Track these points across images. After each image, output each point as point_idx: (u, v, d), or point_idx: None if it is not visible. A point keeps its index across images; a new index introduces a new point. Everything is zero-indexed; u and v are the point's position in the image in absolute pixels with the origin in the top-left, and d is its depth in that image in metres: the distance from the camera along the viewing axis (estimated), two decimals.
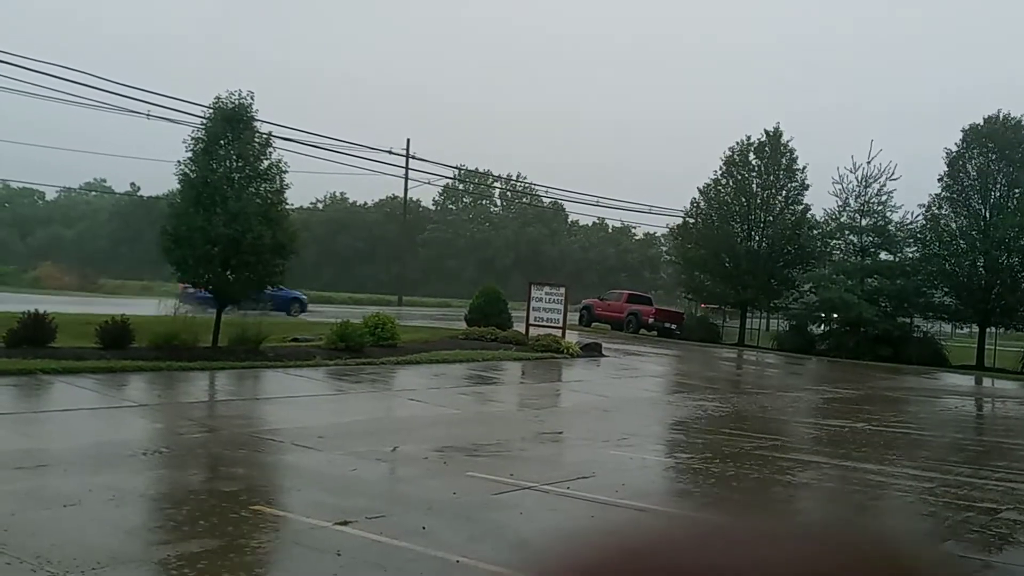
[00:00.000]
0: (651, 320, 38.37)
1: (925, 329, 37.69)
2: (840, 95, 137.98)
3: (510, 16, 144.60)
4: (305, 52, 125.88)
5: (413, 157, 53.09)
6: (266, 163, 17.00)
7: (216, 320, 16.77)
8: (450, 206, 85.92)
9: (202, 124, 17.04)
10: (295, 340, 19.34)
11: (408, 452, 9.78)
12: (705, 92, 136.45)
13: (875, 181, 35.85)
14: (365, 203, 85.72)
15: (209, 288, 16.56)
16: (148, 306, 18.23)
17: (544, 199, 74.31)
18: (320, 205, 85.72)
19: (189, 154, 16.55)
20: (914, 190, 41.93)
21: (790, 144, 39.42)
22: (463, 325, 25.90)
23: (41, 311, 15.06)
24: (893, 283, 34.25)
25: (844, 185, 36.34)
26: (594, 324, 39.03)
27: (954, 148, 35.43)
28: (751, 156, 39.76)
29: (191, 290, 28.07)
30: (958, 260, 34.99)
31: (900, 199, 36.33)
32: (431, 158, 78.02)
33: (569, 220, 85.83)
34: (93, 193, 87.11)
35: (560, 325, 24.19)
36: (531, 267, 69.53)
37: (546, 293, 25.02)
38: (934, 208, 35.75)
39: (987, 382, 29.37)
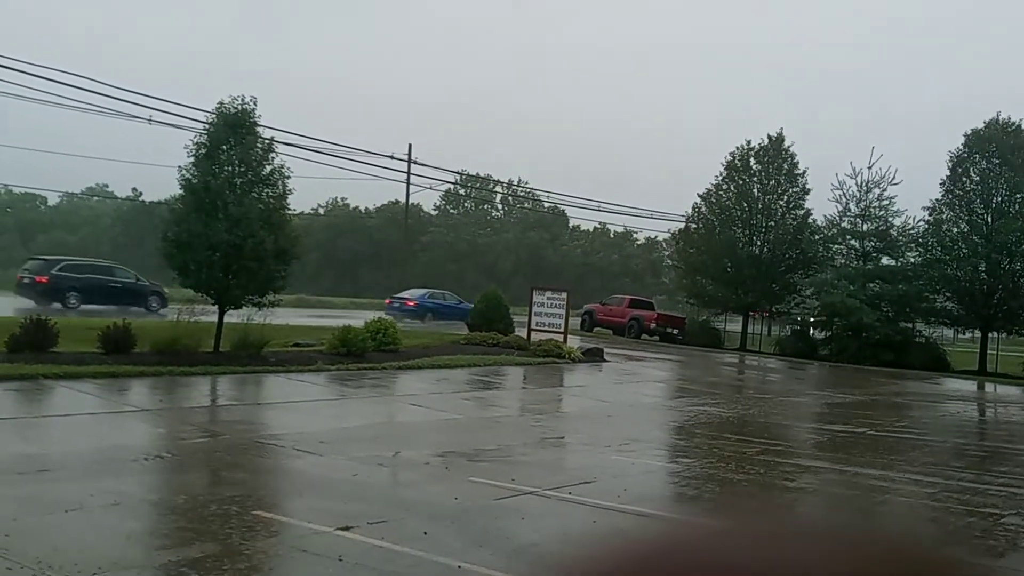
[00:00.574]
0: (653, 325, 38.36)
1: (927, 334, 37.65)
2: (841, 100, 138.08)
3: (512, 23, 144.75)
4: (307, 58, 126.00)
5: (415, 162, 53.11)
6: (268, 168, 17.01)
7: (218, 325, 16.77)
8: (451, 211, 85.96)
9: (204, 129, 17.08)
10: (297, 345, 19.34)
11: (410, 457, 9.77)
12: (706, 97, 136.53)
13: (876, 186, 35.91)
14: (367, 208, 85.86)
15: (210, 293, 16.55)
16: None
17: (545, 204, 74.41)
18: (321, 210, 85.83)
19: (191, 159, 16.57)
20: (916, 195, 41.96)
21: (791, 149, 39.51)
22: (465, 330, 25.92)
23: (43, 316, 15.09)
24: (895, 288, 34.22)
25: (845, 190, 36.41)
26: (596, 329, 39.04)
27: (956, 152, 35.44)
28: (752, 161, 39.80)
29: (396, 303, 34.80)
30: (960, 265, 34.94)
31: (902, 204, 36.40)
32: (432, 163, 78.22)
33: (570, 225, 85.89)
34: (95, 198, 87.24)
35: (562, 330, 24.18)
36: (533, 272, 69.55)
37: (548, 298, 25.01)
38: (936, 213, 35.73)
39: (989, 387, 29.32)
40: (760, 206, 39.41)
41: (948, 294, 35.68)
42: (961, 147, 35.35)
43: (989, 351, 35.40)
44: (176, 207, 17.17)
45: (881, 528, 0.83)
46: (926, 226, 35.89)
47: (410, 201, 57.63)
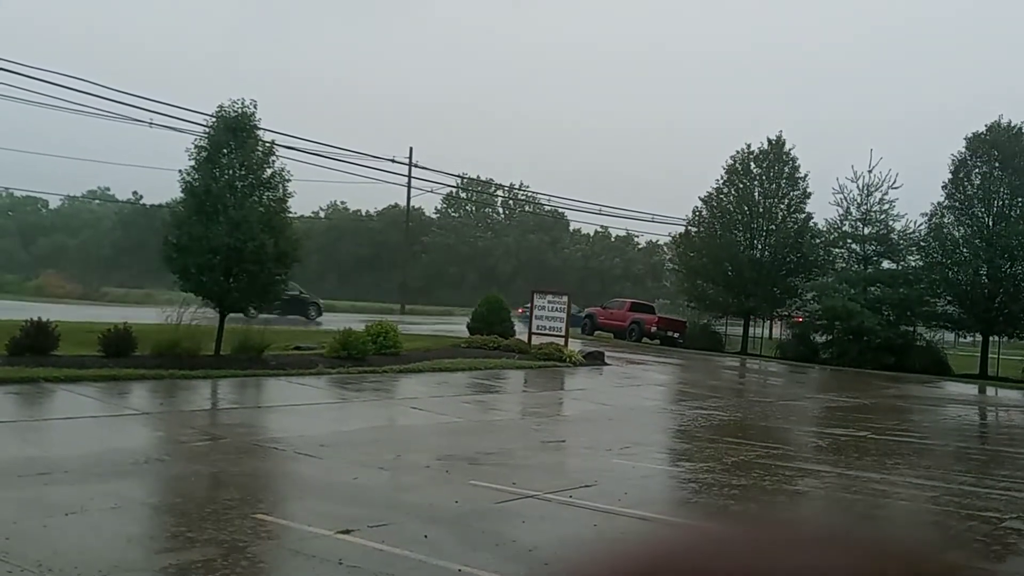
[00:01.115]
0: (654, 329, 38.34)
1: (928, 338, 37.62)
2: (842, 104, 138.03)
3: (512, 24, 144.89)
4: (307, 60, 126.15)
5: (416, 165, 53.17)
6: (269, 172, 17.03)
7: (219, 328, 16.78)
8: (452, 214, 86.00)
9: (205, 133, 17.10)
10: (297, 348, 19.35)
11: (410, 460, 9.77)
12: (707, 101, 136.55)
13: (876, 190, 35.91)
14: (368, 212, 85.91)
15: (211, 296, 16.55)
16: (152, 314, 18.21)
17: (546, 207, 74.44)
18: (322, 213, 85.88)
19: (192, 162, 16.60)
20: (917, 197, 41.93)
21: (792, 152, 39.51)
22: (465, 333, 25.92)
23: (44, 319, 15.10)
24: (896, 292, 34.21)
25: (845, 194, 36.41)
26: (596, 333, 39.04)
27: (958, 156, 35.45)
28: (753, 165, 39.79)
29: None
30: (961, 269, 34.92)
31: (903, 206, 36.38)
32: (433, 166, 78.24)
33: (571, 228, 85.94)
34: (96, 201, 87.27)
35: (562, 333, 24.17)
36: (533, 275, 69.51)
37: (548, 301, 24.99)
38: (937, 217, 35.73)
39: (990, 391, 29.28)
40: (761, 210, 39.40)
41: (949, 298, 35.65)
42: (962, 150, 35.35)
43: (990, 355, 35.37)
44: (177, 210, 17.20)
45: (882, 532, 0.82)
46: (927, 229, 35.90)
47: (411, 204, 57.69)
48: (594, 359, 23.98)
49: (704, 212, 40.64)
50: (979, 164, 34.93)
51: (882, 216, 36.13)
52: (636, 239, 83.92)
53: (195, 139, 17.16)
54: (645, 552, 0.80)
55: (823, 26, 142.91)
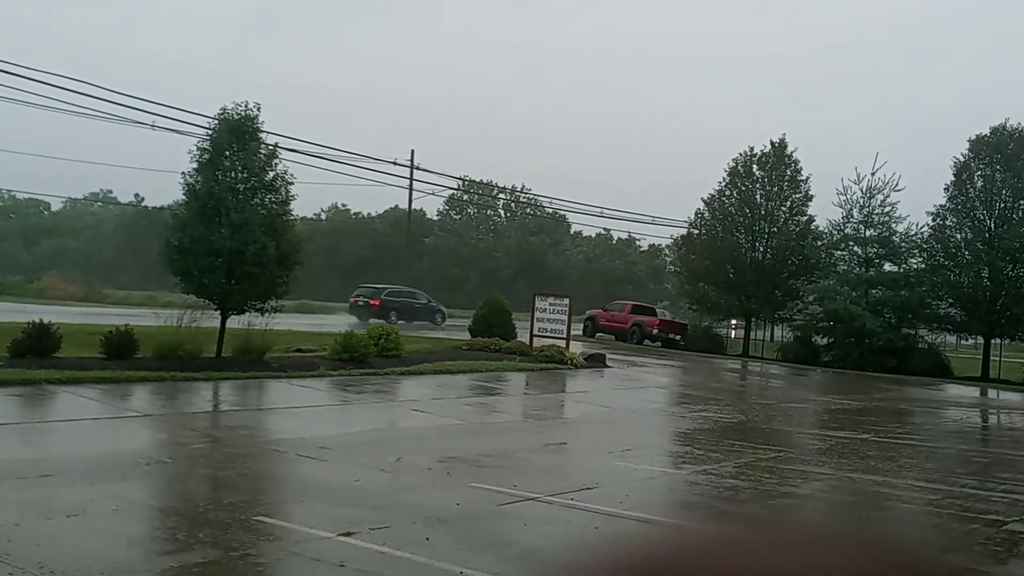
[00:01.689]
0: (655, 331, 38.31)
1: (930, 340, 37.59)
2: (844, 106, 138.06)
3: (512, 26, 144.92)
4: (309, 64, 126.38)
5: (417, 168, 53.18)
6: (271, 174, 17.04)
7: (220, 330, 16.78)
8: (454, 215, 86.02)
9: (208, 135, 17.11)
10: (299, 351, 19.35)
11: (412, 463, 9.76)
12: (708, 103, 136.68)
13: (879, 192, 35.92)
14: (369, 214, 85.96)
15: (212, 299, 16.56)
16: (150, 316, 18.23)
17: (547, 209, 74.44)
18: (324, 216, 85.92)
19: (194, 165, 16.60)
20: (919, 199, 41.85)
21: (794, 155, 39.51)
22: (467, 336, 25.91)
23: (46, 321, 15.11)
24: (897, 294, 34.21)
25: (848, 196, 36.43)
26: (598, 335, 39.02)
27: (960, 158, 35.45)
28: (755, 167, 39.80)
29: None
30: (963, 271, 34.93)
31: (905, 208, 36.30)
32: (435, 168, 78.33)
33: (572, 231, 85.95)
34: (98, 204, 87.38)
35: (564, 336, 24.16)
36: (535, 277, 69.48)
37: (550, 304, 24.98)
38: (939, 219, 35.73)
39: (992, 393, 29.27)
40: (763, 212, 39.41)
41: (951, 300, 35.66)
42: (965, 153, 35.37)
43: (992, 357, 35.37)
44: (179, 213, 17.21)
45: (884, 535, 0.82)
46: (929, 231, 35.89)
47: (413, 206, 57.72)
48: (595, 361, 23.97)
49: (706, 214, 40.62)
50: (981, 167, 34.95)
51: (884, 219, 36.15)
52: (638, 242, 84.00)
53: (197, 141, 17.20)
54: (647, 554, 0.80)
55: (824, 26, 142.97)
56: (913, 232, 36.30)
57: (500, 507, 7.82)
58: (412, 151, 53.92)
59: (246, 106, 16.88)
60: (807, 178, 39.54)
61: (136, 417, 11.73)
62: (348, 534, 6.46)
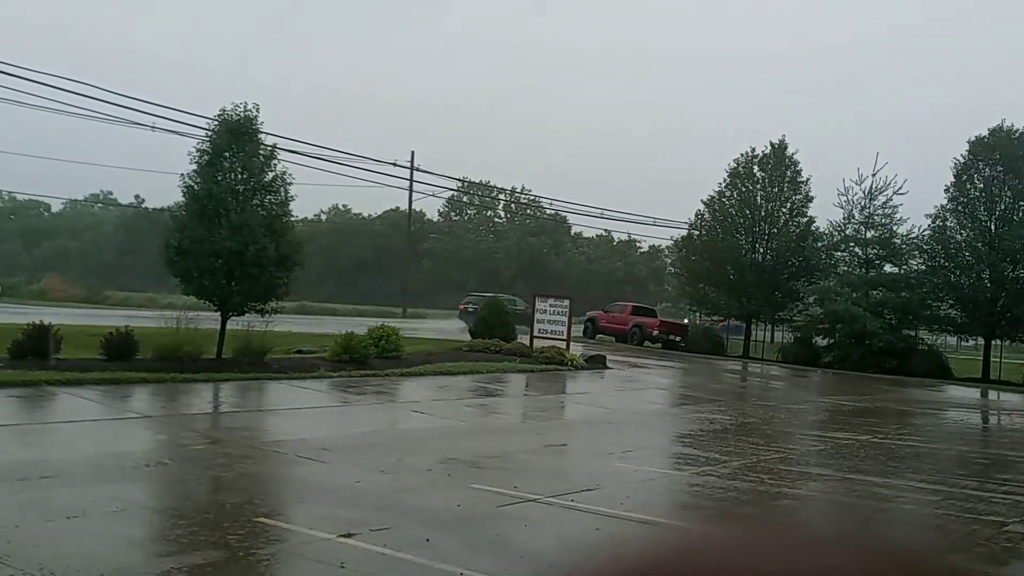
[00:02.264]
0: (655, 332, 38.31)
1: (930, 341, 37.56)
2: (844, 106, 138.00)
3: (512, 26, 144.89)
4: (309, 65, 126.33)
5: (417, 169, 53.25)
6: (271, 175, 17.04)
7: (220, 332, 16.78)
8: (454, 217, 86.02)
9: (207, 136, 17.11)
10: (299, 352, 19.35)
11: (412, 464, 9.76)
12: (708, 103, 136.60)
13: (880, 193, 35.93)
14: (369, 215, 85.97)
15: (212, 300, 16.56)
16: (153, 318, 18.23)
17: (548, 210, 74.43)
18: (324, 217, 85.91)
19: (194, 166, 16.60)
20: (920, 200, 41.84)
21: (795, 156, 39.52)
22: (467, 337, 25.92)
23: (46, 323, 15.10)
24: (898, 295, 34.20)
25: (849, 197, 36.44)
26: (598, 336, 39.01)
27: (960, 159, 35.44)
28: (756, 168, 39.81)
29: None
30: (964, 272, 34.92)
31: (906, 211, 36.32)
32: (435, 169, 78.35)
33: (573, 232, 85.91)
34: (98, 205, 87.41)
35: (564, 337, 24.16)
36: (535, 279, 69.48)
37: (550, 305, 24.98)
38: (940, 220, 35.72)
39: (992, 395, 29.26)
40: (763, 213, 39.43)
41: (951, 301, 35.64)
42: (966, 154, 35.35)
43: (992, 358, 35.35)
44: (178, 214, 17.21)
45: (885, 536, 0.82)
46: (930, 232, 35.87)
47: (413, 207, 57.74)
48: (596, 363, 23.96)
49: (706, 215, 40.64)
50: (982, 167, 34.93)
51: (885, 220, 36.15)
52: (638, 243, 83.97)
53: (197, 143, 17.20)
54: (647, 556, 0.80)
55: (824, 26, 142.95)
56: (914, 234, 36.33)
57: (500, 508, 7.82)
58: (412, 152, 54.09)
59: (245, 107, 16.90)
60: (807, 179, 39.63)
61: (136, 418, 11.72)
62: (349, 535, 6.46)
